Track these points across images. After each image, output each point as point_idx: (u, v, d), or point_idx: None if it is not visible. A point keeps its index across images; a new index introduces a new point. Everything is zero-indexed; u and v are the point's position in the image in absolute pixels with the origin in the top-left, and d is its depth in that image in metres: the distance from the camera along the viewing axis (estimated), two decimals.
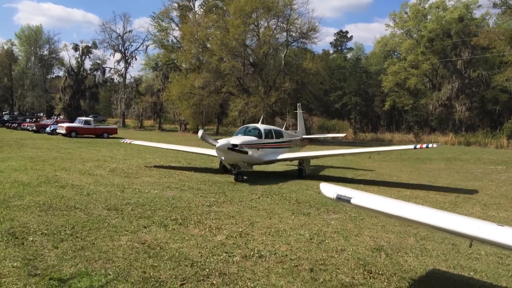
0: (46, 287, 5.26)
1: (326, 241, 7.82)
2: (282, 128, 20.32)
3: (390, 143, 45.66)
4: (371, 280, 6.02)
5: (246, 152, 14.58)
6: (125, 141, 23.36)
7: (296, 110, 23.49)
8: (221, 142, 14.43)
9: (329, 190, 5.51)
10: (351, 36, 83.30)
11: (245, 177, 15.25)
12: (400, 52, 60.97)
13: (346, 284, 5.83)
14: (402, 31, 60.27)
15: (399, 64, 56.14)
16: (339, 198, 5.22)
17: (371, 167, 21.63)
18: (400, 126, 60.16)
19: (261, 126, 17.02)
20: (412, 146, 16.35)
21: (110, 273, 5.78)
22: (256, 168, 17.95)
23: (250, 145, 15.18)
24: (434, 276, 6.42)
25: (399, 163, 24.55)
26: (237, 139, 14.95)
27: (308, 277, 6.01)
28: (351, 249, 7.38)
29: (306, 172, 16.69)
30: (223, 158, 14.69)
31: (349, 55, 79.64)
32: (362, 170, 20.25)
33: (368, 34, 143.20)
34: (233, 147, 14.27)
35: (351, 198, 5.06)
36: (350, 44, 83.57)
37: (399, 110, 60.45)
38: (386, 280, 6.03)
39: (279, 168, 19.49)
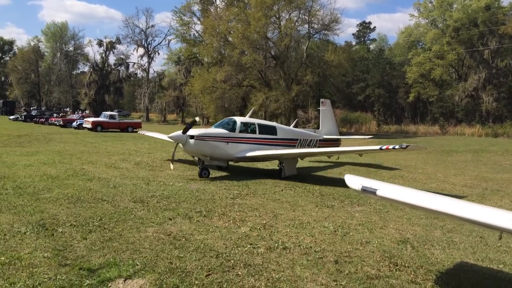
0: (76, 277, 5.38)
1: (351, 234, 7.79)
2: (291, 124, 19.11)
3: (414, 135, 44.94)
4: (397, 272, 5.97)
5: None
6: (141, 133, 25.19)
7: (320, 106, 20.83)
8: (176, 132, 13.87)
9: (354, 181, 5.46)
10: (374, 27, 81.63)
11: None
12: (425, 42, 59.63)
13: (371, 276, 5.79)
14: (427, 20, 58.89)
15: (424, 54, 54.89)
16: (365, 190, 5.16)
17: (396, 162, 21.34)
18: (425, 118, 58.93)
19: (238, 119, 15.51)
20: (378, 147, 13.55)
21: (138, 263, 5.89)
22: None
23: (214, 137, 14.13)
24: (461, 269, 6.33)
25: (425, 155, 24.16)
26: (197, 131, 14.10)
27: (333, 269, 6.00)
28: (376, 242, 7.32)
29: (286, 173, 14.58)
30: (184, 149, 14.04)
31: (372, 46, 78.45)
32: (387, 169, 19.97)
33: (391, 25, 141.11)
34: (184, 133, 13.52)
35: (376, 189, 5.00)
36: (373, 35, 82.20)
37: (423, 101, 59.27)
38: (412, 273, 5.96)
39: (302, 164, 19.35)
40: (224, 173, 15.07)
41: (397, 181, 14.20)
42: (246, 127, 15.26)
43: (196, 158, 14.35)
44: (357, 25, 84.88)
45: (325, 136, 18.97)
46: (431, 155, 24.24)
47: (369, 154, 22.10)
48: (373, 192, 5.03)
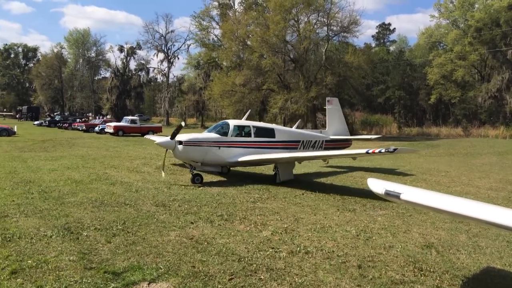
0: (101, 280, 5.47)
1: (374, 238, 7.70)
2: (294, 126, 18.23)
3: (437, 137, 44.29)
4: (422, 277, 5.88)
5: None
6: (146, 137, 25.24)
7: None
8: (164, 138, 13.52)
9: (377, 185, 5.40)
10: (394, 28, 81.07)
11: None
12: (446, 43, 58.73)
13: (396, 281, 5.72)
14: (448, 21, 58.05)
15: (445, 55, 54.04)
16: (388, 194, 5.10)
17: (419, 165, 21.03)
18: (447, 120, 57.99)
19: (231, 122, 14.82)
20: (364, 151, 12.72)
21: (161, 267, 5.95)
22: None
23: (204, 142, 13.48)
24: (488, 274, 6.20)
25: (447, 158, 23.79)
26: (185, 136, 13.52)
27: (356, 273, 5.95)
28: (400, 246, 7.23)
29: (281, 178, 13.99)
30: (173, 155, 13.60)
31: (392, 48, 77.73)
32: (409, 173, 19.67)
33: (411, 26, 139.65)
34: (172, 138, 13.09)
35: (400, 193, 4.93)
36: (393, 36, 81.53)
37: (445, 103, 58.34)
38: (438, 278, 5.87)
39: (315, 169, 19.27)
40: (244, 177, 15.09)
41: (420, 185, 13.99)
42: (241, 130, 14.66)
43: (188, 164, 13.89)
44: (377, 26, 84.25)
45: (332, 137, 17.85)
46: (454, 158, 23.83)
47: (389, 157, 21.83)
48: (396, 196, 4.97)
